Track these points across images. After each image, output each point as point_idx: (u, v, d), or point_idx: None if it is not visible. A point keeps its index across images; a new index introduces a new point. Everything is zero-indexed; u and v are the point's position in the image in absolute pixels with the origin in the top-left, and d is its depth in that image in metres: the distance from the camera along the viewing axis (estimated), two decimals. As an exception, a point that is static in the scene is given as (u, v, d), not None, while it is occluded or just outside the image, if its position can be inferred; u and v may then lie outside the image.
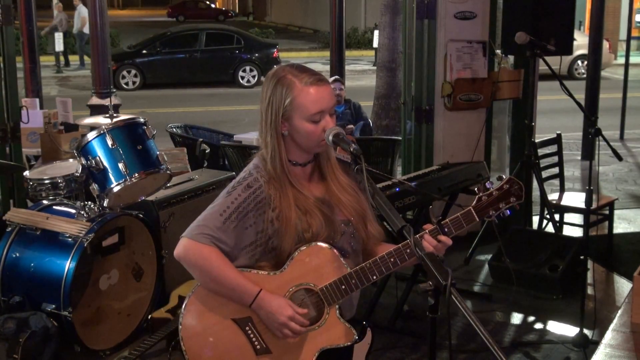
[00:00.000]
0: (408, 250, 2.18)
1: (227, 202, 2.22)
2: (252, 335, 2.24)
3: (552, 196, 5.88)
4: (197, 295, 2.26)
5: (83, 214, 4.19)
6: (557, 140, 5.98)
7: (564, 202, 5.75)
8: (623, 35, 15.92)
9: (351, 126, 6.83)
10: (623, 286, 5.20)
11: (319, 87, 2.23)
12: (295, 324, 2.20)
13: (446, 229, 2.24)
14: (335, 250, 2.24)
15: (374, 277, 2.23)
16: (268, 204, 2.22)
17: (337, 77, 7.59)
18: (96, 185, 4.24)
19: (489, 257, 5.43)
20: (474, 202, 2.29)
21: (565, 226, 5.95)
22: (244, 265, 2.24)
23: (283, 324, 2.19)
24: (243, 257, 2.24)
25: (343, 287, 2.23)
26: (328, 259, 2.24)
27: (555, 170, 6.00)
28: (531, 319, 4.75)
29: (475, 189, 2.33)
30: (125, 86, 16.38)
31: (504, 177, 2.32)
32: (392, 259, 2.21)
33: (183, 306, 2.27)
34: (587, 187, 4.26)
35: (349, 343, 2.28)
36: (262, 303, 2.19)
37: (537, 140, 5.77)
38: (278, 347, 2.24)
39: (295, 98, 2.21)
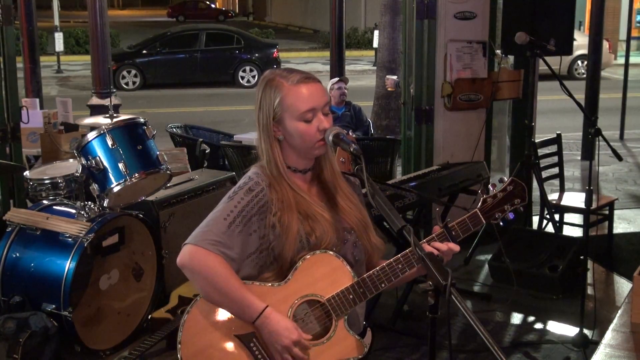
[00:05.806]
0: (415, 256, 2.12)
1: (229, 206, 2.13)
2: (257, 352, 2.12)
3: (552, 196, 5.88)
4: (197, 309, 2.14)
5: (83, 214, 4.19)
6: (557, 140, 5.98)
7: (564, 202, 5.75)
8: (623, 35, 15.92)
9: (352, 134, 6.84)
10: (623, 286, 5.20)
11: (307, 84, 2.17)
12: (298, 351, 2.09)
13: (453, 233, 2.21)
14: (341, 258, 2.17)
15: (383, 286, 2.15)
16: (270, 209, 2.15)
17: (340, 77, 7.55)
18: (96, 185, 4.24)
19: (489, 257, 5.43)
20: (479, 204, 2.23)
21: (565, 226, 5.95)
22: (248, 275, 2.15)
23: (286, 347, 2.09)
24: (247, 267, 2.15)
25: (351, 296, 2.15)
26: (334, 267, 2.16)
27: (555, 170, 6.00)
28: (531, 319, 4.75)
29: (479, 191, 2.27)
30: (125, 86, 16.39)
31: (505, 178, 2.27)
32: (399, 265, 2.15)
33: (181, 323, 2.13)
34: (587, 187, 4.26)
35: (359, 356, 2.21)
36: (266, 321, 2.09)
37: (537, 140, 5.76)
38: None
39: (284, 98, 2.15)
